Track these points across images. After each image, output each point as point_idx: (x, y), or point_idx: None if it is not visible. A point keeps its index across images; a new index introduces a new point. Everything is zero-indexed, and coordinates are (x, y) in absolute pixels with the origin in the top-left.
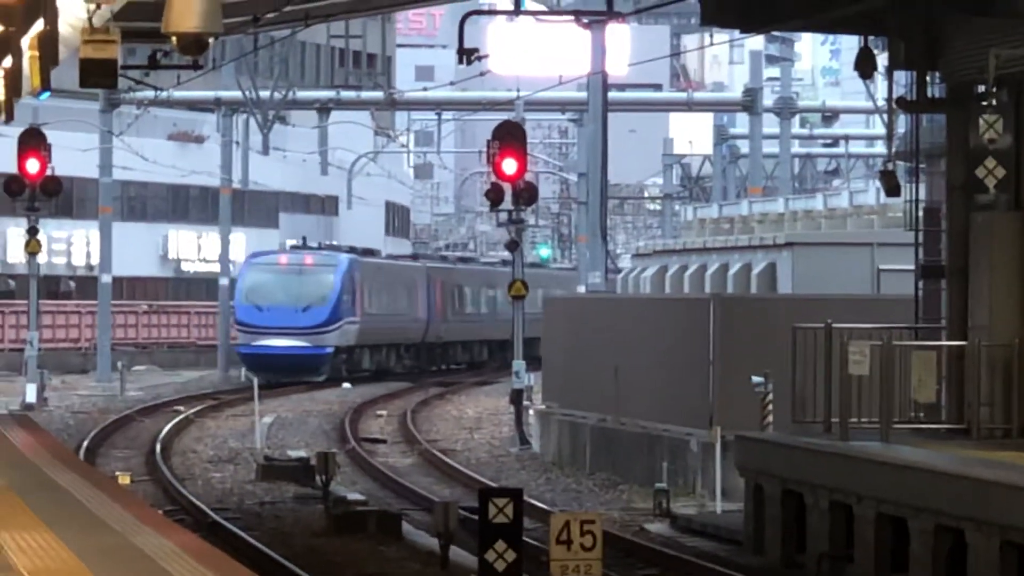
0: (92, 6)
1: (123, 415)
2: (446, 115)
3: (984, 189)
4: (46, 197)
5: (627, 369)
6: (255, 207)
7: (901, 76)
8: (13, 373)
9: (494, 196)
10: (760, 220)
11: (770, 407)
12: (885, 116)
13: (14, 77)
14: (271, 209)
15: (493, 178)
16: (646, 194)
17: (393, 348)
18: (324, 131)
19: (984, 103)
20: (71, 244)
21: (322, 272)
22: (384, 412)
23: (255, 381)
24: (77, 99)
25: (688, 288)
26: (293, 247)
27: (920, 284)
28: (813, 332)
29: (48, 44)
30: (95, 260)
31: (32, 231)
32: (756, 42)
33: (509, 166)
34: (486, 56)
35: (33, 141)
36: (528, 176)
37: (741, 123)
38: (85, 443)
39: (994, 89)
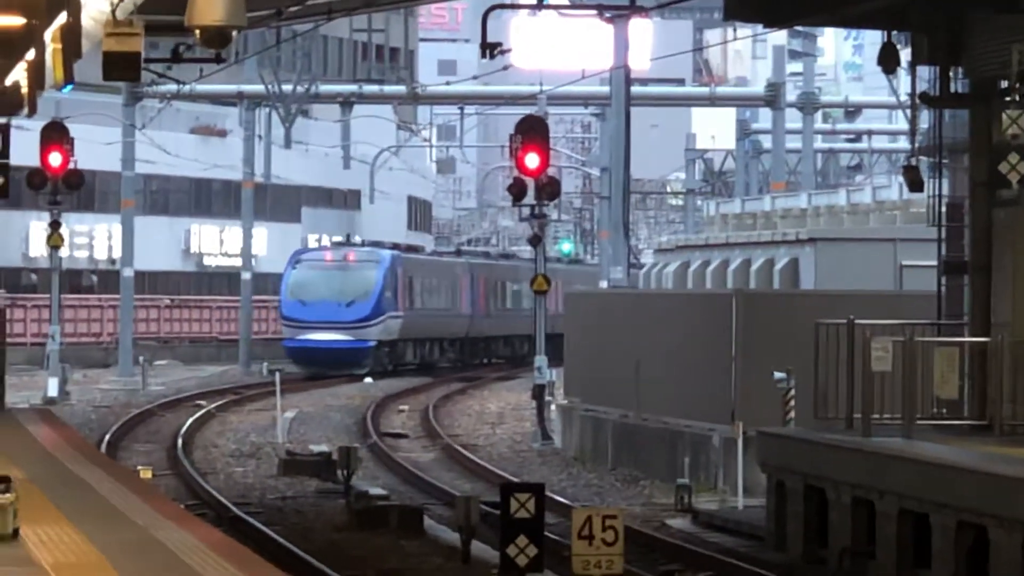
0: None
1: (145, 409)
2: (469, 109)
3: (1007, 184)
4: (68, 191)
5: (649, 364)
6: (277, 201)
7: (924, 71)
8: (35, 367)
9: (516, 191)
10: (783, 216)
11: (792, 403)
12: (908, 111)
13: (37, 70)
14: (293, 203)
15: (516, 172)
16: (668, 189)
17: (436, 342)
18: (346, 125)
19: (1007, 98)
20: (93, 238)
21: (365, 268)
22: (406, 407)
23: (277, 376)
24: (100, 92)
25: (710, 284)
26: (337, 244)
27: (943, 280)
28: (836, 328)
29: (71, 37)
30: (117, 254)
31: (54, 225)
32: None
33: (532, 160)
34: (509, 50)
35: (56, 134)
36: (551, 171)
37: (764, 118)
38: (107, 437)
39: (1017, 84)
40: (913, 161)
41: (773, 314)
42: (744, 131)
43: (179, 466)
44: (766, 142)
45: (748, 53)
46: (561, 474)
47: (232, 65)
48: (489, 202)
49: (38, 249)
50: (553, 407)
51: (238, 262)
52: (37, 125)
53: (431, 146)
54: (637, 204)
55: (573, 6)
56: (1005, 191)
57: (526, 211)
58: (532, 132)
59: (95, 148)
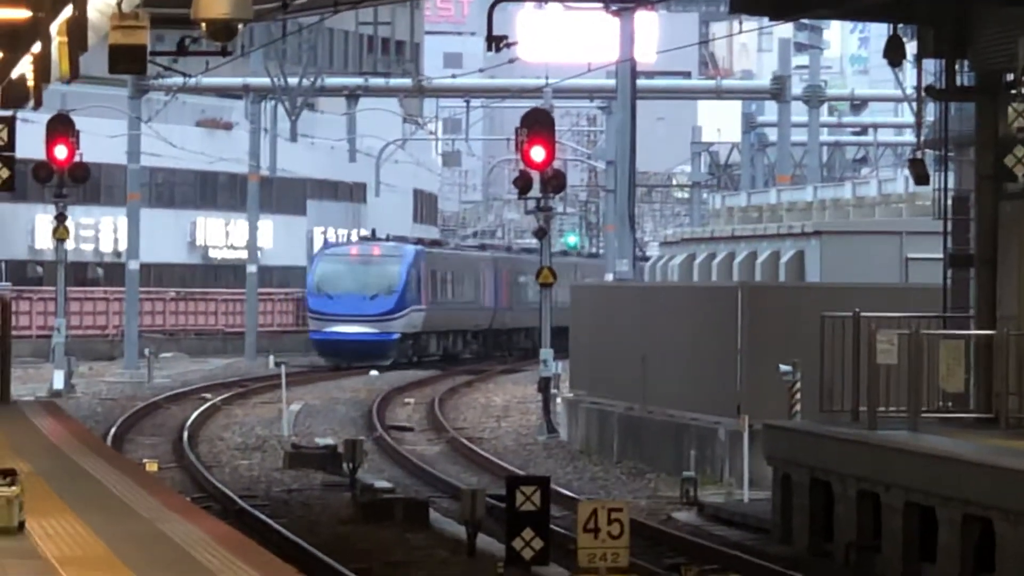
0: None
1: (150, 402)
2: (474, 102)
3: (1013, 177)
4: (74, 183)
5: (655, 357)
6: (283, 194)
7: (930, 64)
8: (41, 360)
9: (522, 184)
10: (788, 208)
11: (798, 396)
12: (914, 104)
13: (43, 63)
14: (299, 196)
15: (521, 166)
16: (674, 182)
17: (460, 334)
18: (352, 118)
19: (1013, 91)
20: (99, 231)
21: (389, 263)
22: (412, 400)
23: (283, 368)
24: (105, 85)
25: (716, 276)
26: (363, 239)
27: (948, 273)
28: (841, 321)
29: (77, 30)
30: (123, 247)
31: (60, 218)
32: (785, 30)
33: (537, 153)
34: (515, 43)
35: (61, 127)
36: (556, 164)
37: (770, 111)
38: (112, 430)
39: (1023, 78)
40: (919, 154)
41: (779, 307)
42: (750, 124)
43: (185, 459)
44: (772, 135)
45: (754, 46)
46: (567, 467)
47: (238, 58)
48: (495, 195)
49: (44, 242)
50: (559, 400)
51: (244, 255)
52: (43, 118)
53: (437, 139)
54: (643, 197)
55: None
56: (1011, 184)
57: (532, 204)
58: (538, 125)
59: (101, 141)
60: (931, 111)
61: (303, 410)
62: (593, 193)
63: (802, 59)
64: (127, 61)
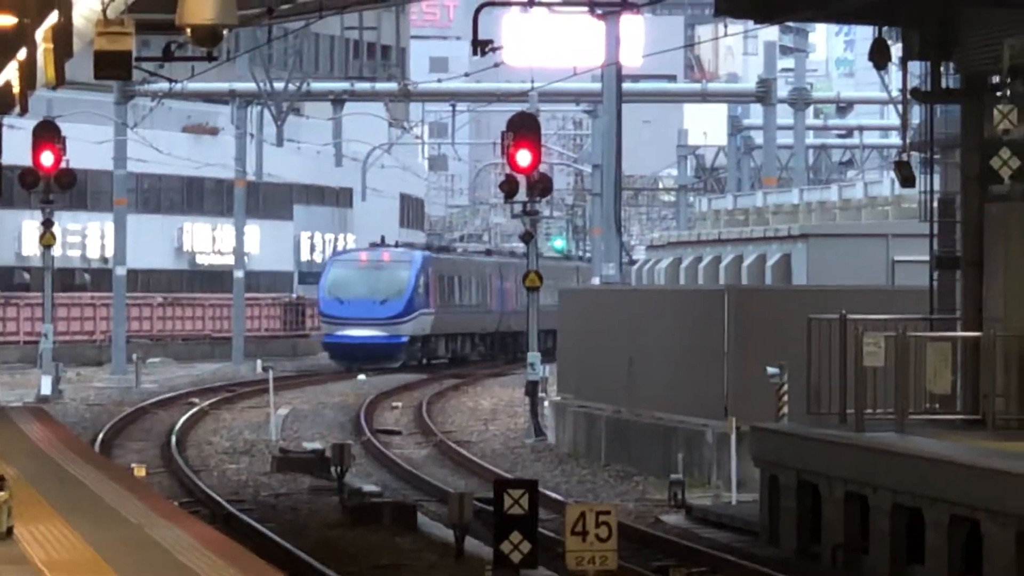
0: None
1: (138, 407)
2: (460, 107)
3: (999, 180)
4: (60, 189)
5: (642, 360)
6: (269, 199)
7: (916, 67)
8: (28, 366)
9: (508, 188)
10: (774, 211)
11: (785, 398)
12: (899, 107)
13: (29, 69)
14: (285, 201)
15: (507, 170)
16: (660, 185)
17: (468, 337)
18: (338, 123)
19: (999, 93)
20: (86, 236)
21: (398, 268)
22: (399, 404)
23: (270, 373)
24: (91, 91)
25: (702, 280)
26: (372, 245)
27: (935, 275)
28: (828, 323)
29: (62, 36)
30: (110, 252)
31: (47, 223)
32: (770, 33)
33: (523, 158)
34: (500, 48)
35: (47, 133)
36: (542, 168)
37: (755, 114)
38: (100, 435)
39: (1008, 79)
40: (905, 156)
41: (765, 310)
42: (736, 127)
43: (172, 463)
44: (758, 138)
45: (739, 49)
46: (554, 470)
47: (223, 63)
48: (481, 199)
49: (31, 248)
50: (546, 403)
51: (230, 260)
52: (29, 124)
53: (423, 143)
54: (629, 200)
55: (565, 3)
56: (997, 186)
57: (518, 208)
58: (524, 129)
59: (87, 147)
60: (917, 113)
61: (291, 414)
62: (579, 197)
63: (787, 62)
64: (112, 67)
